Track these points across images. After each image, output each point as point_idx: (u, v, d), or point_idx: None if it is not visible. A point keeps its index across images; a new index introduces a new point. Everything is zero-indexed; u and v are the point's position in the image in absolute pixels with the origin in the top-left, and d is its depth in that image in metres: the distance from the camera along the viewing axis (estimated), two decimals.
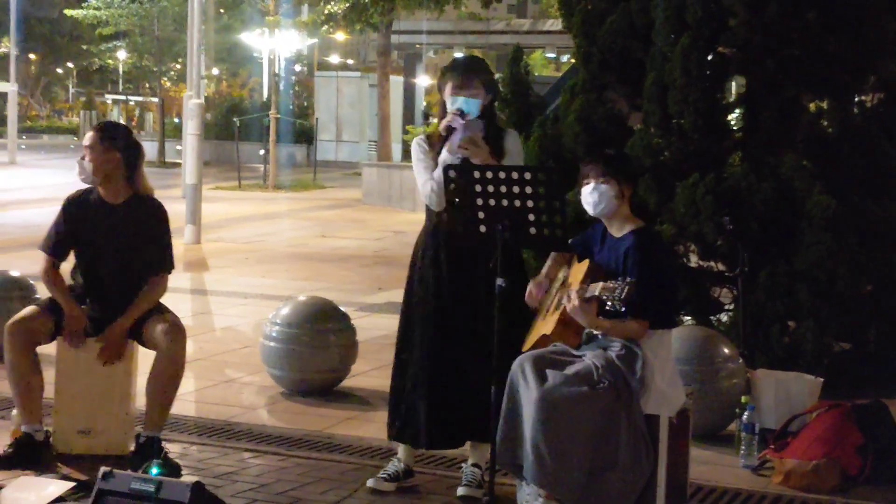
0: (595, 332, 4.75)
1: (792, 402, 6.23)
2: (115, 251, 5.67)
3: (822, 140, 7.78)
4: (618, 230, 4.88)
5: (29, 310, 5.70)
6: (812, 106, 8.13)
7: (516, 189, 4.66)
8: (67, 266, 5.83)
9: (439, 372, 5.24)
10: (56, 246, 5.73)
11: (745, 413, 5.95)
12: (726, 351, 6.43)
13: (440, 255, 5.28)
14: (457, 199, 4.80)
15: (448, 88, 5.26)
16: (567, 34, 8.75)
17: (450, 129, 5.13)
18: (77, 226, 5.71)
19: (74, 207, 5.76)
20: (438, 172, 5.14)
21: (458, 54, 36.28)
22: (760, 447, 5.93)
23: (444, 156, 5.17)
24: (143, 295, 5.64)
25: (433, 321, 5.26)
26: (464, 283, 5.20)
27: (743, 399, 6.14)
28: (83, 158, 5.67)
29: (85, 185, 5.79)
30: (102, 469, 4.27)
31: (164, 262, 5.75)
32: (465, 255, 5.18)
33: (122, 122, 52.57)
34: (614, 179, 4.81)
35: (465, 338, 5.20)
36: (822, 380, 6.42)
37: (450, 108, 5.22)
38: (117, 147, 5.69)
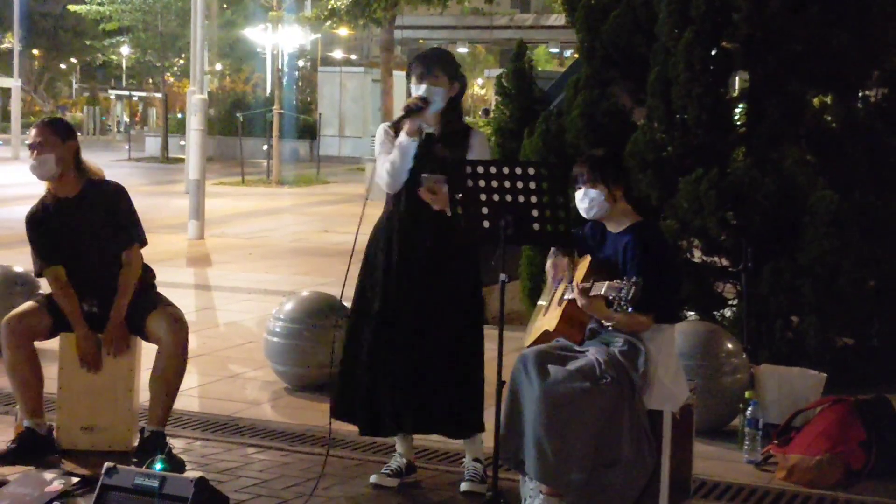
0: (605, 322, 4.74)
1: (795, 397, 6.23)
2: (89, 243, 5.65)
3: (826, 135, 7.77)
4: (616, 226, 4.87)
5: (27, 306, 5.70)
6: (816, 101, 8.12)
7: (520, 184, 4.66)
8: None
9: (379, 357, 5.25)
10: (47, 258, 5.69)
11: (749, 408, 5.95)
12: (730, 346, 6.43)
13: (392, 242, 5.30)
14: (459, 195, 4.80)
15: (413, 79, 5.31)
16: (570, 29, 8.75)
17: (408, 111, 5.16)
18: (47, 234, 5.69)
19: (37, 220, 5.72)
20: (395, 154, 5.16)
21: (462, 49, 36.26)
22: (764, 442, 5.92)
23: (402, 138, 5.19)
24: (122, 275, 5.61)
25: (380, 307, 5.27)
26: (413, 270, 5.23)
27: (746, 394, 6.14)
28: (36, 155, 5.61)
29: (37, 200, 5.76)
30: (106, 464, 4.27)
31: (133, 235, 5.71)
32: (415, 241, 5.21)
33: (125, 118, 52.58)
34: (602, 183, 4.80)
35: (412, 324, 5.20)
36: (825, 375, 6.41)
37: (413, 94, 5.27)
38: (73, 138, 5.71)
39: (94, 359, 5.61)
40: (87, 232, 5.65)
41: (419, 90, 5.24)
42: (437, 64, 5.29)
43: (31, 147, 5.65)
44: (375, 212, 5.48)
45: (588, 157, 4.97)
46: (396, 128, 5.29)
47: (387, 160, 5.25)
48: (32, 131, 5.70)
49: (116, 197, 5.72)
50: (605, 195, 4.80)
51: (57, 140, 5.63)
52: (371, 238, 5.44)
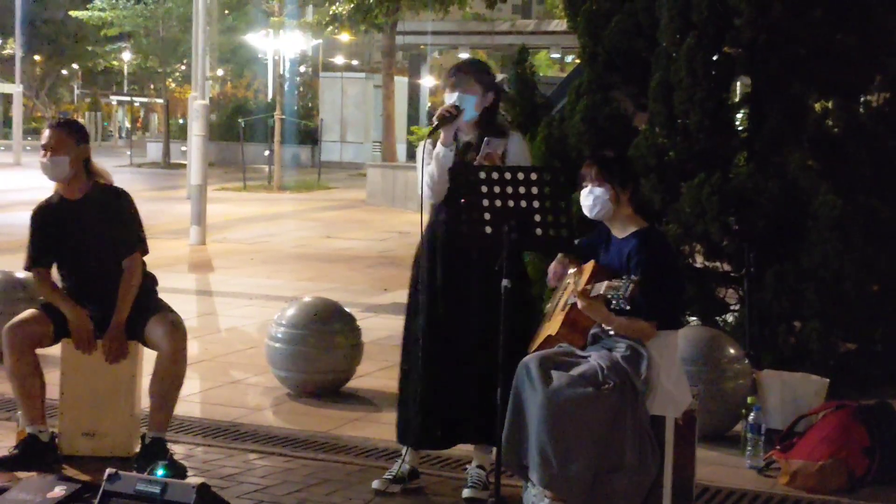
0: (606, 327, 4.73)
1: (798, 402, 6.21)
2: (92, 246, 5.65)
3: (829, 139, 7.76)
4: (620, 231, 4.87)
5: (28, 313, 5.69)
6: (818, 105, 8.11)
7: (522, 190, 4.65)
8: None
9: (432, 372, 5.24)
10: (37, 258, 5.70)
11: (751, 414, 5.94)
12: (732, 351, 6.42)
13: (436, 255, 5.28)
14: (462, 200, 4.79)
15: (447, 89, 5.33)
16: (572, 34, 8.74)
17: (442, 119, 5.15)
18: (50, 233, 5.68)
19: (42, 217, 5.72)
20: (433, 166, 5.16)
21: (464, 55, 36.31)
22: (766, 448, 5.91)
23: (438, 148, 5.18)
24: (123, 282, 5.60)
25: (428, 322, 5.26)
26: (459, 282, 5.20)
27: (749, 400, 6.13)
28: (49, 156, 5.62)
29: (47, 195, 5.77)
30: (108, 471, 4.26)
31: (135, 242, 5.71)
32: (460, 254, 5.18)
33: (126, 123, 52.69)
34: (609, 183, 4.79)
35: (460, 338, 5.19)
36: (828, 380, 6.40)
37: (447, 102, 5.26)
38: (87, 141, 5.72)
39: (88, 338, 5.59)
40: (90, 235, 5.64)
41: (450, 98, 5.24)
42: (470, 73, 5.30)
43: (44, 147, 5.64)
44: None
45: (597, 157, 4.98)
46: (436, 137, 5.28)
47: (426, 172, 5.24)
48: (46, 132, 5.69)
49: (121, 203, 5.72)
50: (609, 195, 4.79)
51: (71, 142, 5.64)
52: (417, 249, 5.43)
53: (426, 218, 5.39)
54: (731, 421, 6.31)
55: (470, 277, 5.16)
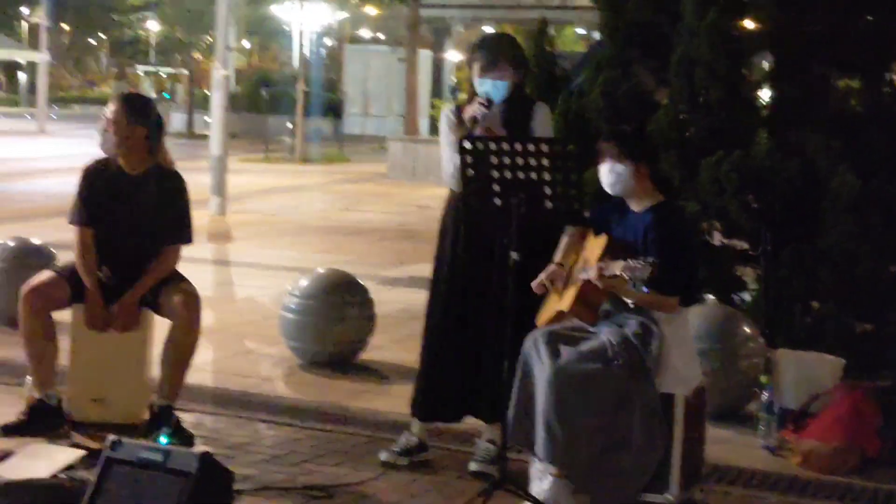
0: (627, 300, 4.68)
1: (812, 382, 6.15)
2: (133, 221, 5.65)
3: (850, 119, 7.66)
4: (638, 205, 4.82)
5: (45, 275, 5.67)
6: (842, 84, 8.01)
7: (533, 161, 4.60)
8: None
9: (444, 344, 5.21)
10: (84, 213, 5.68)
11: (765, 393, 5.89)
12: (747, 330, 6.37)
13: (459, 229, 5.24)
14: (471, 172, 4.74)
15: (476, 69, 5.20)
16: (596, 9, 8.64)
17: (474, 120, 5.07)
18: (96, 195, 5.68)
19: (93, 177, 5.73)
20: (458, 157, 5.09)
21: (488, 28, 36.13)
22: (779, 428, 5.86)
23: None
24: (155, 265, 5.61)
25: (445, 296, 5.23)
26: (479, 257, 5.16)
27: (763, 379, 6.08)
28: (106, 130, 5.62)
29: (75, 163, 5.76)
30: (110, 437, 4.24)
31: (182, 235, 5.73)
32: (482, 229, 5.12)
33: (151, 93, 52.95)
34: (629, 159, 4.74)
35: (476, 314, 5.15)
36: (843, 361, 6.34)
37: (478, 90, 5.16)
38: (143, 122, 5.65)
39: (101, 324, 5.57)
40: (138, 213, 5.63)
41: (482, 84, 5.14)
42: (501, 56, 5.17)
43: (109, 123, 5.61)
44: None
45: (616, 132, 4.93)
46: (459, 114, 5.20)
47: (450, 160, 5.17)
48: (111, 106, 5.66)
49: (177, 191, 5.73)
50: (631, 171, 4.74)
51: (124, 121, 5.60)
52: (440, 226, 5.39)
53: (449, 193, 5.35)
54: (744, 400, 6.27)
55: (489, 253, 5.11)
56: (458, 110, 5.25)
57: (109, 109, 5.66)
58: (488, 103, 5.09)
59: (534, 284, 4.87)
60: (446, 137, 5.23)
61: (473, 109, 5.12)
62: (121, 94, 5.85)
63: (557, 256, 4.97)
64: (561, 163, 4.59)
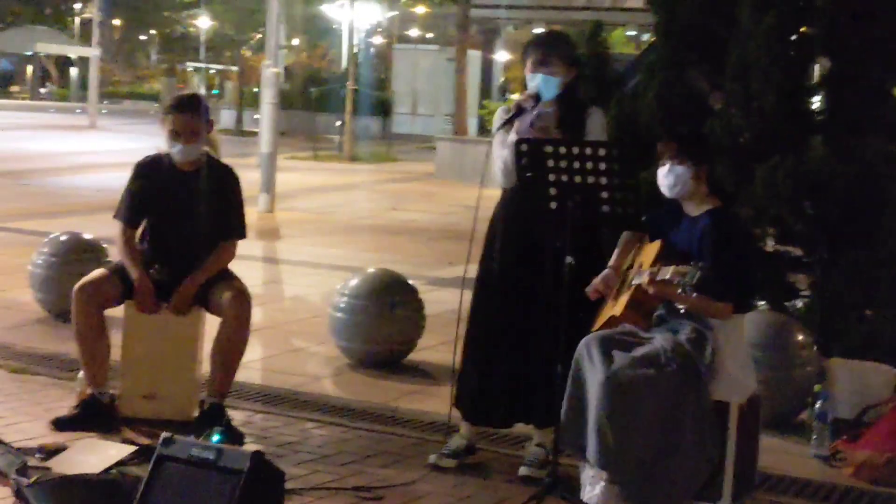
0: (678, 305, 4.63)
1: (867, 392, 6.07)
2: (186, 217, 5.66)
3: None
4: (694, 210, 4.77)
5: (98, 272, 5.70)
6: None
7: (589, 165, 4.56)
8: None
9: (496, 348, 5.19)
10: (130, 212, 5.71)
11: (819, 402, 5.83)
12: (801, 338, 6.30)
13: (509, 228, 5.21)
14: (529, 175, 4.71)
15: (528, 65, 5.19)
16: (649, 11, 8.58)
17: (520, 109, 5.05)
18: (149, 191, 5.70)
19: (146, 172, 5.75)
20: (507, 153, 5.06)
21: (538, 30, 36.05)
22: (833, 437, 5.79)
23: (513, 136, 5.09)
24: (212, 258, 5.63)
25: (495, 296, 5.21)
26: (529, 258, 5.13)
27: (816, 387, 6.02)
28: (181, 145, 5.58)
29: (132, 157, 5.78)
30: (163, 435, 4.25)
31: (237, 229, 5.75)
32: (532, 230, 5.09)
33: (201, 90, 53.31)
34: (689, 160, 4.69)
35: (527, 315, 5.12)
36: None
37: (528, 85, 5.15)
38: (209, 116, 5.72)
39: (149, 304, 5.58)
40: (189, 207, 5.66)
41: (534, 80, 5.13)
42: (553, 52, 5.16)
43: (177, 134, 5.57)
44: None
45: (676, 134, 4.88)
46: (512, 124, 5.17)
47: (498, 157, 5.15)
48: (174, 117, 5.59)
49: (231, 185, 5.75)
50: (691, 173, 4.70)
51: (202, 125, 5.64)
52: (489, 226, 5.37)
53: (501, 194, 5.33)
54: (797, 408, 6.21)
55: (541, 256, 5.08)
56: (509, 110, 5.23)
57: (181, 124, 5.57)
58: (536, 98, 5.07)
59: (588, 290, 4.84)
60: (498, 137, 5.22)
61: (521, 98, 5.12)
62: (182, 103, 5.70)
63: (612, 261, 4.93)
64: (617, 167, 4.55)
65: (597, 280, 4.84)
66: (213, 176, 5.71)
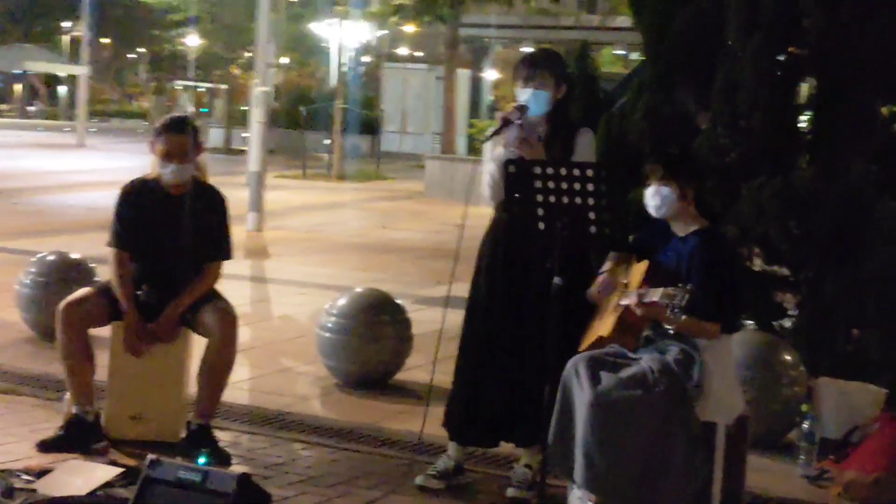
0: (667, 325, 4.64)
1: (854, 412, 6.09)
2: (174, 239, 5.66)
3: (894, 145, 7.59)
4: (682, 230, 4.78)
5: (83, 292, 5.69)
6: (885, 110, 7.94)
7: (577, 186, 4.57)
8: None
9: (484, 368, 5.19)
10: (122, 238, 5.69)
11: (806, 422, 5.83)
12: (788, 358, 6.31)
13: (498, 250, 5.22)
14: (516, 195, 4.72)
15: (519, 80, 5.23)
16: (637, 31, 8.61)
17: (506, 121, 5.07)
18: (137, 214, 5.69)
19: (133, 196, 5.74)
20: (494, 167, 5.09)
21: (527, 49, 36.13)
22: (820, 457, 5.79)
23: (500, 150, 5.10)
24: (198, 281, 5.62)
25: (484, 316, 5.21)
26: (518, 279, 5.13)
27: (803, 407, 6.02)
28: (172, 165, 5.58)
29: (121, 177, 5.77)
30: (149, 457, 4.24)
31: (222, 251, 5.74)
32: (522, 250, 5.10)
33: (190, 108, 53.33)
34: (675, 181, 4.71)
35: (514, 337, 5.13)
36: (885, 390, 6.27)
37: (518, 99, 5.17)
38: (199, 137, 5.73)
39: (137, 347, 5.58)
40: (178, 229, 5.65)
41: (524, 94, 5.15)
42: (543, 67, 5.19)
43: (169, 155, 5.57)
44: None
45: (662, 154, 4.91)
46: (502, 122, 5.19)
47: (486, 171, 5.18)
48: (165, 137, 5.59)
49: (218, 207, 5.75)
50: (676, 194, 4.71)
51: (192, 146, 5.64)
52: (481, 245, 5.38)
53: (492, 213, 5.34)
54: (784, 428, 6.21)
55: (529, 276, 5.09)
56: (497, 132, 5.24)
57: (173, 144, 5.57)
58: (522, 109, 5.08)
59: (589, 292, 4.85)
60: (486, 154, 5.25)
61: (506, 111, 5.15)
62: (173, 124, 5.71)
63: (604, 268, 4.95)
64: (605, 188, 4.55)
65: (594, 284, 4.88)
66: (200, 198, 5.71)
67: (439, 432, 5.48)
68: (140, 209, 5.68)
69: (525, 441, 5.21)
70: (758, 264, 7.64)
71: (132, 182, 5.77)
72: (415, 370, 7.41)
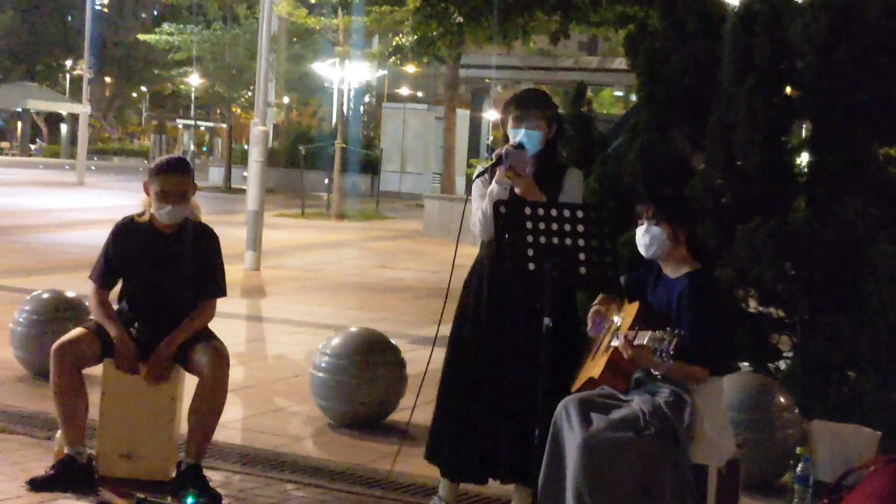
0: (654, 371, 4.62)
1: (848, 455, 6.05)
2: (165, 277, 5.65)
3: (890, 188, 7.60)
4: (673, 272, 4.78)
5: (76, 332, 5.68)
6: (881, 152, 7.96)
7: (567, 227, 4.57)
8: (115, 290, 5.81)
9: (469, 408, 5.17)
10: (105, 275, 5.71)
11: (800, 465, 5.80)
12: (782, 400, 6.29)
13: (483, 288, 5.23)
14: (507, 235, 4.72)
15: (510, 121, 5.22)
16: (633, 72, 8.65)
17: (500, 159, 5.08)
18: (127, 252, 5.69)
19: (124, 234, 5.73)
20: (486, 203, 5.09)
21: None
22: (814, 500, 5.76)
23: (493, 186, 5.11)
24: (192, 318, 5.62)
25: (471, 356, 5.20)
26: (503, 318, 5.13)
27: (798, 450, 5.98)
28: (169, 206, 5.57)
29: (117, 214, 5.78)
30: (137, 496, 4.22)
31: (216, 288, 5.74)
32: (508, 289, 5.10)
33: (191, 147, 53.43)
34: (666, 222, 4.71)
35: (502, 374, 5.11)
36: (880, 433, 6.24)
37: (511, 140, 5.18)
38: (194, 177, 5.74)
39: (131, 358, 5.55)
40: (171, 269, 5.65)
41: (517, 135, 5.16)
42: (535, 107, 5.21)
43: (166, 194, 5.57)
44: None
45: (655, 195, 4.90)
46: (492, 173, 5.19)
47: (478, 208, 5.18)
48: (170, 178, 5.59)
49: (210, 245, 5.75)
50: (667, 234, 4.71)
51: (190, 187, 5.66)
52: (465, 282, 5.37)
53: (479, 251, 5.34)
54: (778, 471, 6.17)
55: (516, 314, 5.09)
56: (491, 170, 5.24)
57: (172, 184, 5.57)
58: (520, 147, 5.09)
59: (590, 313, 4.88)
60: (476, 192, 5.24)
61: (500, 150, 5.14)
62: (170, 165, 5.70)
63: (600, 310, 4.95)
64: (596, 229, 4.55)
65: (589, 317, 4.87)
66: (192, 236, 5.71)
67: (429, 472, 5.44)
68: (131, 247, 5.69)
69: (509, 478, 5.20)
70: (752, 306, 7.63)
71: (123, 220, 5.78)
72: (409, 410, 7.36)
